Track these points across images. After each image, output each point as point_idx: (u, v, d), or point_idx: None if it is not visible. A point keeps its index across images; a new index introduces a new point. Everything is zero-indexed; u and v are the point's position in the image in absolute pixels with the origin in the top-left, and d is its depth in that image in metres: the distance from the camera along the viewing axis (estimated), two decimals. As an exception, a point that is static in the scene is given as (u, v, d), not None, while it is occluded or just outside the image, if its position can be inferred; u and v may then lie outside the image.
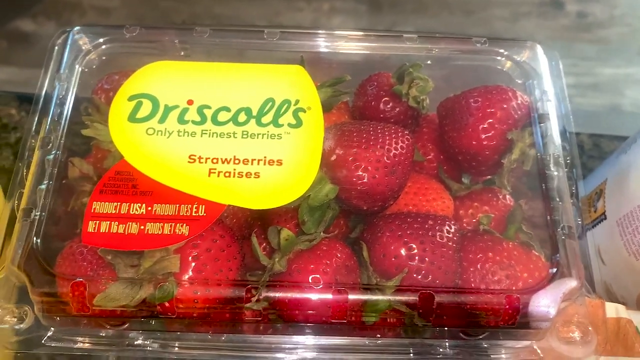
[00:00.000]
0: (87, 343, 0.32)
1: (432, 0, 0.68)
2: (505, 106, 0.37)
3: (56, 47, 0.39)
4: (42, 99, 0.37)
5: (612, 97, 0.60)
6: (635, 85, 0.61)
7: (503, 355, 0.33)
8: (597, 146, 0.54)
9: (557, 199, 0.35)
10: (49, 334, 0.32)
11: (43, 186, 0.34)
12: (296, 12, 0.66)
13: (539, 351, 0.33)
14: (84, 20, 0.63)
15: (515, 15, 0.66)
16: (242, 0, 0.68)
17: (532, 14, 0.67)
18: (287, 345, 0.33)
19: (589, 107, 0.59)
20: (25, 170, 0.35)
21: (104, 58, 0.40)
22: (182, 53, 0.40)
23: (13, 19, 0.63)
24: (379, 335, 0.33)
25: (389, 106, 0.39)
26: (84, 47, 0.40)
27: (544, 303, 0.31)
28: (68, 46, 0.39)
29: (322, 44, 0.40)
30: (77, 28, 0.40)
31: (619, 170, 0.43)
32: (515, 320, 0.32)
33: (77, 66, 0.39)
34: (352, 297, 0.31)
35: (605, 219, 0.42)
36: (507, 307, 0.31)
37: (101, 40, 0.40)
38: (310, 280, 0.32)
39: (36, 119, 0.37)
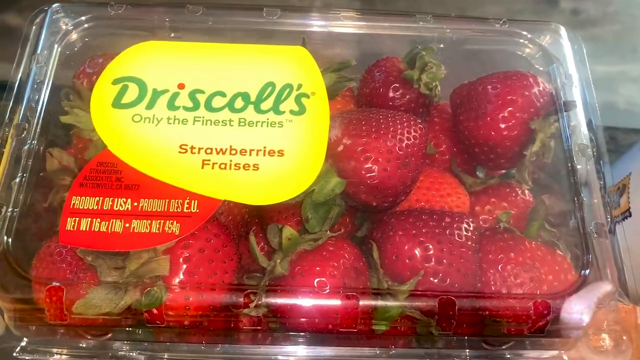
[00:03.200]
0: (65, 355, 0.30)
1: (426, -4, 0.67)
2: (526, 93, 0.34)
3: (33, 27, 0.37)
4: (16, 84, 0.35)
5: (606, 94, 0.59)
6: (629, 82, 0.61)
7: (528, 367, 0.30)
8: (613, 139, 0.51)
9: (585, 194, 0.33)
10: (22, 344, 0.30)
11: (17, 180, 0.32)
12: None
13: (568, 362, 0.30)
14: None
15: (509, 12, 0.66)
16: (234, -12, 0.66)
17: (527, 11, 0.66)
18: (288, 357, 0.31)
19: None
20: (-3, 162, 0.32)
21: (86, 39, 0.37)
22: (173, 34, 0.37)
23: (-1, 13, 0.60)
24: (392, 346, 0.30)
25: (398, 93, 0.37)
26: (63, 27, 0.37)
27: (577, 309, 0.29)
28: (46, 25, 0.36)
29: (325, 23, 0.37)
30: (55, 5, 0.37)
31: (645, 164, 0.40)
32: (544, 328, 0.29)
33: (56, 47, 0.36)
34: (362, 303, 0.29)
35: (630, 215, 0.40)
36: (535, 313, 0.29)
37: (83, 18, 0.37)
38: (315, 285, 0.29)
39: (10, 105, 0.34)
